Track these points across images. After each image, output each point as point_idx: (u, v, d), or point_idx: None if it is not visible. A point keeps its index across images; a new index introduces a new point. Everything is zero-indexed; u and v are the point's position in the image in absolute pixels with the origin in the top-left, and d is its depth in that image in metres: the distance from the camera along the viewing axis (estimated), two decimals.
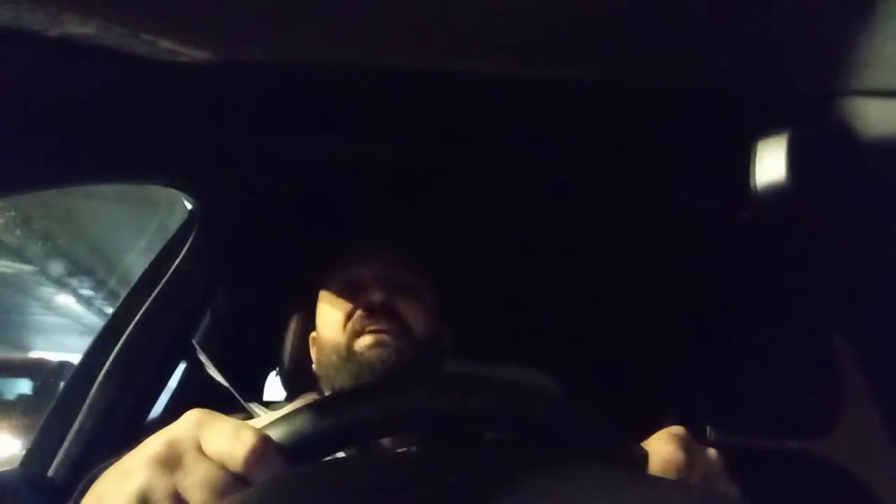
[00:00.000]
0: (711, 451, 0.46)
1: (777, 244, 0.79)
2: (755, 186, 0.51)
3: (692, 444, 0.45)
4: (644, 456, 0.43)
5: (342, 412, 0.41)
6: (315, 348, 0.79)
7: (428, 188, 0.90)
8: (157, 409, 0.87)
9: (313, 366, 0.79)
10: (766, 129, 0.51)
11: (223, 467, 0.36)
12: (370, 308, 0.71)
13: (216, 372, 0.79)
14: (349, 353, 0.70)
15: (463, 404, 0.42)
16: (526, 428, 0.42)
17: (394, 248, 0.80)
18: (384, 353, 0.68)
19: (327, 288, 0.77)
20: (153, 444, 0.36)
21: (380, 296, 0.71)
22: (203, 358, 0.83)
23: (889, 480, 0.86)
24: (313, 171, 0.85)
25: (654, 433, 0.46)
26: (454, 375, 0.71)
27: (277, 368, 0.89)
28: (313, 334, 0.80)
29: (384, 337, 0.69)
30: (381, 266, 0.76)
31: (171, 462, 0.36)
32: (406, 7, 0.44)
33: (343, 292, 0.75)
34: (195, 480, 0.35)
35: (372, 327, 0.70)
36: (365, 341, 0.69)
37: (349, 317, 0.72)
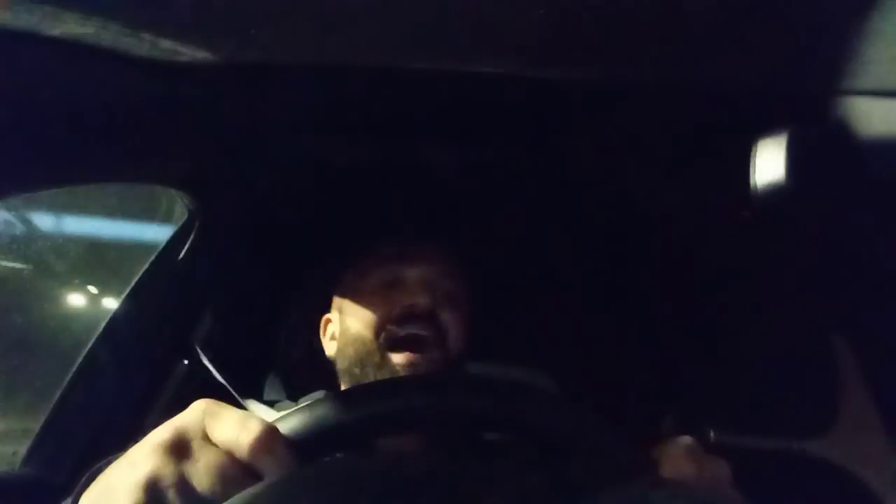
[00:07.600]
0: (718, 462, 0.46)
1: (777, 244, 0.79)
2: (755, 186, 0.51)
3: (701, 456, 0.44)
4: (653, 466, 0.43)
5: (354, 407, 0.40)
6: (335, 337, 0.76)
7: (426, 187, 0.90)
8: (158, 409, 0.87)
9: (328, 352, 0.77)
10: (766, 129, 0.51)
11: (230, 455, 0.36)
12: (412, 310, 0.69)
13: (216, 372, 0.79)
14: (382, 357, 0.68)
15: (477, 405, 0.42)
16: (539, 435, 0.42)
17: (442, 252, 0.77)
18: (418, 369, 0.66)
19: (361, 280, 0.74)
20: (160, 432, 0.37)
21: (425, 300, 0.69)
22: (203, 358, 0.83)
23: (888, 481, 0.86)
24: (312, 170, 0.85)
25: (654, 433, 0.46)
26: (470, 376, 0.71)
27: (275, 370, 0.88)
28: (327, 316, 0.79)
29: (420, 355, 0.67)
30: (429, 269, 0.73)
31: (178, 449, 0.36)
32: (407, 7, 0.44)
33: (382, 288, 0.72)
34: (202, 467, 0.35)
35: (412, 331, 0.68)
36: (400, 359, 0.67)
37: (386, 316, 0.69)
